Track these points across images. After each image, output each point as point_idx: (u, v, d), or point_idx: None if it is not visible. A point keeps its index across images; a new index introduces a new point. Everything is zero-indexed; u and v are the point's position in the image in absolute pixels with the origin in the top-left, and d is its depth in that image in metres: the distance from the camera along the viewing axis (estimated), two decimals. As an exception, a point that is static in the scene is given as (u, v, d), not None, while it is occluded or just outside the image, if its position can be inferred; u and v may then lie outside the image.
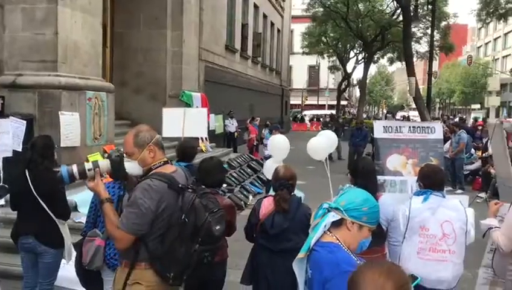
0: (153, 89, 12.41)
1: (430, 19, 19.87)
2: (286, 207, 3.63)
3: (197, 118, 9.41)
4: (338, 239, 2.13)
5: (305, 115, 46.74)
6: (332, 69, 42.82)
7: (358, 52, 38.48)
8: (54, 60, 7.21)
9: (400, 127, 5.51)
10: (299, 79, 52.43)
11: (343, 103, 49.93)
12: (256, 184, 11.78)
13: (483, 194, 10.40)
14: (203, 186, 2.94)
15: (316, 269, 2.10)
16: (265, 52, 28.56)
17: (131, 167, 2.74)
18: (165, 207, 2.60)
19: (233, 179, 11.02)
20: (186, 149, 4.93)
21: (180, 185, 2.65)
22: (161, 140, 2.85)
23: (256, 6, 25.51)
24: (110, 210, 2.67)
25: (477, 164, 12.87)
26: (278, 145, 6.11)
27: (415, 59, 25.39)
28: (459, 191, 11.07)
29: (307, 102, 52.55)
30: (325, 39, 34.76)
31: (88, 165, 2.69)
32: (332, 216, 2.14)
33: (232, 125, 17.55)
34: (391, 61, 37.91)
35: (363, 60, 36.68)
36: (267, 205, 3.74)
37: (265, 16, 28.22)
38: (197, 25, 14.12)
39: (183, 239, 2.59)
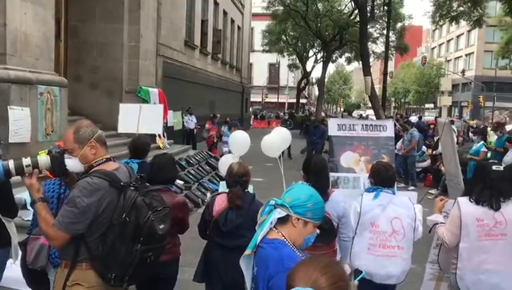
0: (109, 85, 12.16)
1: (386, 19, 20.37)
2: (239, 203, 3.62)
3: (153, 114, 9.28)
4: (284, 235, 2.14)
5: (266, 113, 46.85)
6: (291, 67, 43.26)
7: (317, 51, 39.09)
8: (2, 52, 6.95)
9: (353, 125, 5.62)
10: (259, 77, 52.65)
11: (302, 101, 50.49)
12: (215, 181, 11.71)
13: (434, 191, 10.76)
14: (148, 184, 2.86)
15: (262, 265, 2.11)
16: (225, 49, 28.44)
17: (72, 164, 2.63)
18: (106, 206, 2.50)
19: (191, 176, 10.92)
20: (138, 146, 4.85)
21: (122, 183, 2.56)
22: (103, 136, 2.75)
23: (216, 3, 25.36)
24: (42, 209, 2.55)
25: (429, 161, 13.29)
26: (237, 140, 6.11)
27: (371, 59, 26.05)
28: (412, 187, 11.41)
29: (267, 99, 52.81)
30: (285, 38, 35.12)
31: (26, 161, 2.55)
32: (278, 213, 2.15)
33: (191, 122, 17.40)
34: (349, 60, 38.74)
35: (321, 59, 37.22)
36: (221, 202, 3.72)
37: (225, 13, 28.09)
38: (154, 19, 13.89)
39: (124, 238, 2.49)
